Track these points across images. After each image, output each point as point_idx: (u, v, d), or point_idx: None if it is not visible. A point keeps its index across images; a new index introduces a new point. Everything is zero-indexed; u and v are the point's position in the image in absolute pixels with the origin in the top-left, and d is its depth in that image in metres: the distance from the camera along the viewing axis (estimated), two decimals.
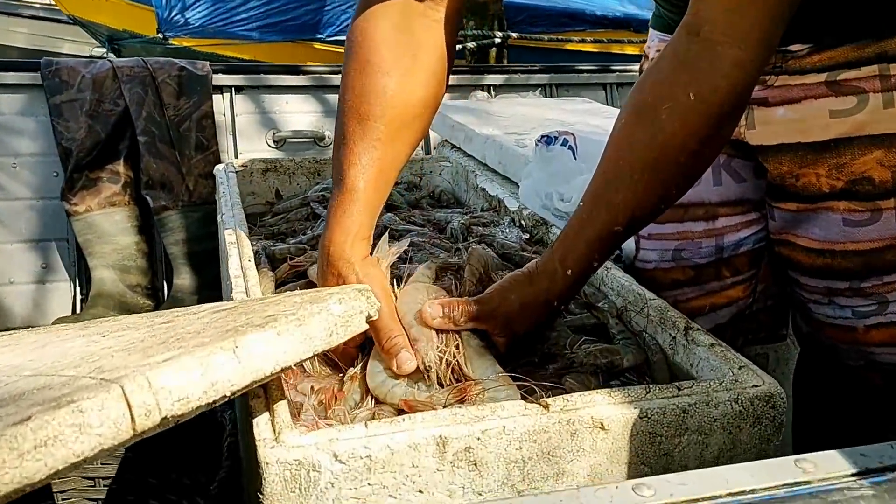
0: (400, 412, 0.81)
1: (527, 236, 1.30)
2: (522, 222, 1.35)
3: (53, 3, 6.52)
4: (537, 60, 4.32)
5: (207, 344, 0.61)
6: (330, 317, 0.68)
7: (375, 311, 0.75)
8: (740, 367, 0.82)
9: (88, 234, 2.20)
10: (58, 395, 0.53)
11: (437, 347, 0.86)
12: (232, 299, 0.96)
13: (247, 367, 0.61)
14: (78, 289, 2.26)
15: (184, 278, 2.25)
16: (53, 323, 2.09)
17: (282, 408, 0.71)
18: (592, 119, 1.97)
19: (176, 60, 2.39)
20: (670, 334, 0.93)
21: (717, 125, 0.82)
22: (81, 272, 2.26)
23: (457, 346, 0.88)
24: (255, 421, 0.70)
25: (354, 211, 0.92)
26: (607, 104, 2.75)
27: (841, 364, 1.06)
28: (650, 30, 1.22)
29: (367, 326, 0.73)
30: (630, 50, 6.38)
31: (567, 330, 0.99)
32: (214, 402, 0.59)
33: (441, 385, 0.85)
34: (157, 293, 2.30)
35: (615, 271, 1.08)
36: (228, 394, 0.60)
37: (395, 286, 0.95)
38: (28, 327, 2.20)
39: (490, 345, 0.91)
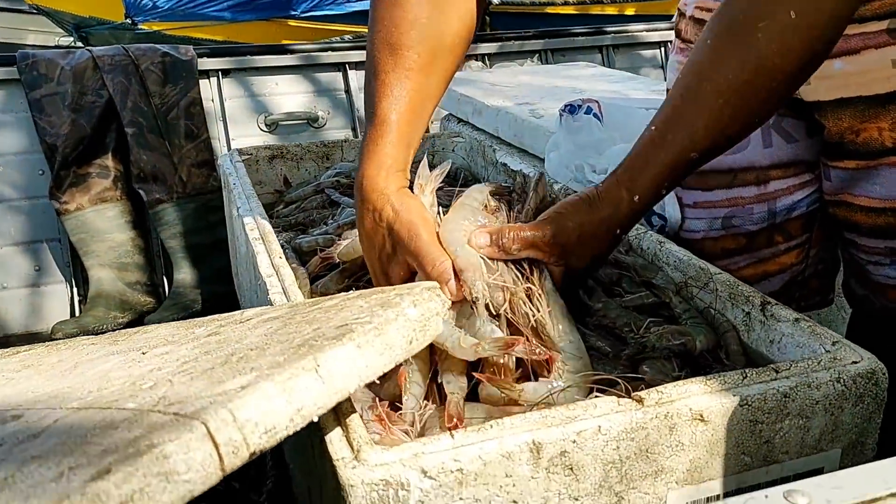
0: (469, 374, 0.74)
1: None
2: (553, 196, 1.28)
3: None
4: (520, 25, 4.23)
5: (284, 364, 0.54)
6: (407, 322, 0.62)
7: (447, 309, 0.68)
8: (834, 343, 0.77)
9: (81, 232, 2.11)
10: (131, 438, 0.47)
11: (485, 277, 0.78)
12: (270, 302, 0.89)
13: (331, 387, 0.54)
14: (75, 290, 2.17)
15: (184, 273, 2.16)
16: (54, 328, 2.01)
17: (355, 422, 0.64)
18: (601, 84, 1.90)
19: (158, 46, 2.29)
20: (743, 310, 0.88)
21: (817, 48, 0.76)
22: (77, 273, 2.17)
23: (527, 289, 0.80)
24: (327, 438, 0.63)
25: (387, 143, 0.86)
26: (605, 66, 2.68)
27: None
28: None
29: (442, 328, 0.67)
30: (610, 10, 6.30)
31: (627, 311, 0.93)
32: (300, 429, 0.53)
33: (496, 317, 0.78)
34: (157, 289, 2.22)
35: (670, 245, 1.02)
36: (315, 419, 0.53)
37: (441, 216, 0.88)
38: (26, 334, 2.12)
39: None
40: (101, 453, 0.45)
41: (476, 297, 0.77)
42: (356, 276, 1.03)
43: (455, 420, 0.68)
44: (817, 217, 1.11)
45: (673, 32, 2.82)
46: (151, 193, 2.16)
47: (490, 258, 0.82)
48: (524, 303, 0.79)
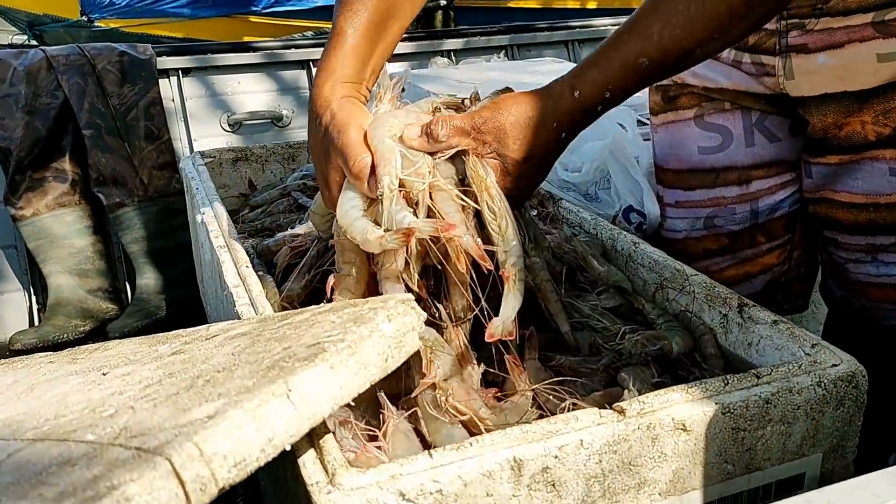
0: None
1: (535, 212, 1.22)
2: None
3: None
4: (482, 21, 4.21)
5: (253, 389, 0.51)
6: (382, 339, 0.59)
7: (422, 322, 0.66)
8: (813, 346, 0.76)
9: (39, 238, 2.04)
10: (90, 478, 0.44)
11: (397, 170, 0.76)
12: (237, 314, 0.86)
13: (304, 412, 0.52)
14: (33, 298, 2.10)
15: (147, 278, 2.11)
16: (12, 338, 1.94)
17: (329, 443, 0.62)
18: None
19: (115, 45, 2.22)
20: (721, 312, 0.87)
21: None
22: (35, 280, 2.10)
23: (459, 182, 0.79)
24: (301, 461, 0.61)
25: (339, 54, 0.86)
26: (571, 61, 2.67)
27: (879, 327, 1.02)
28: None
29: (420, 344, 0.64)
30: (571, 4, 6.31)
31: (601, 317, 0.91)
32: (272, 459, 0.50)
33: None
34: (119, 296, 2.16)
35: (645, 246, 1.00)
36: (287, 447, 0.51)
37: None
38: None
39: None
40: (58, 496, 0.42)
41: (381, 192, 0.76)
42: (319, 275, 1.00)
43: None
44: (799, 217, 1.11)
45: None
46: (111, 197, 2.10)
47: (424, 150, 0.80)
48: (454, 198, 0.78)
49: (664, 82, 1.16)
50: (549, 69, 2.02)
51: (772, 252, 1.11)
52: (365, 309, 0.64)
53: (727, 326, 0.86)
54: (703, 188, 1.13)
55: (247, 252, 1.07)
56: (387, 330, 0.60)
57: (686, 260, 1.09)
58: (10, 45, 6.18)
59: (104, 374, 0.71)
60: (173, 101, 2.30)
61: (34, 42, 5.67)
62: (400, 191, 0.77)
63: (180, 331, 0.80)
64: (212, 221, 1.13)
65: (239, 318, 0.85)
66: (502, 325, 0.74)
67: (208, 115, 2.35)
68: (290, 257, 1.05)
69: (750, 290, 1.11)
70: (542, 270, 0.90)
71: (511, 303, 0.76)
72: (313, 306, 0.74)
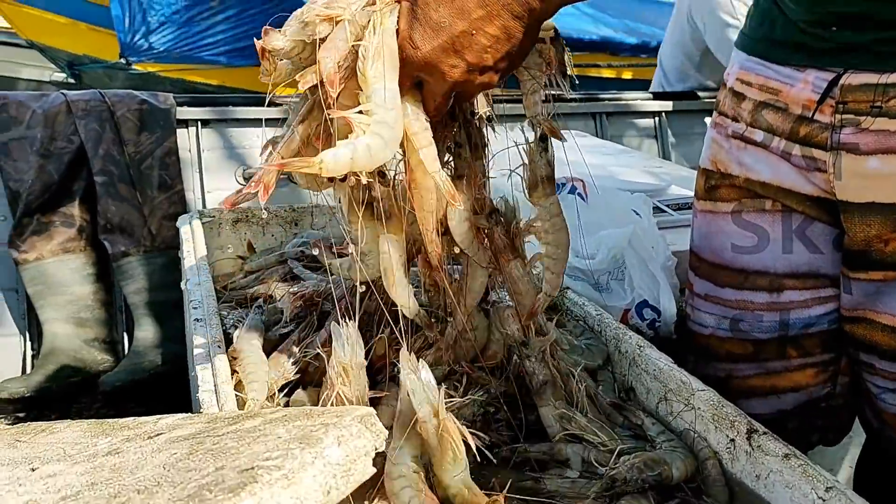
0: None
1: None
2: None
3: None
4: (512, 86, 4.18)
5: None
6: (327, 468, 0.52)
7: (382, 442, 0.58)
8: (828, 489, 0.67)
9: (39, 283, 2.00)
10: None
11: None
12: (198, 401, 0.79)
13: None
14: (28, 344, 2.05)
15: (145, 330, 2.05)
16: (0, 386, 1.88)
17: None
18: (592, 157, 1.82)
19: (137, 93, 2.21)
20: (727, 436, 0.78)
21: None
22: (32, 326, 2.05)
23: None
24: None
25: None
26: (597, 135, 2.62)
27: None
28: (733, 52, 1.08)
29: (374, 470, 0.57)
30: (607, 73, 6.31)
31: (598, 430, 0.83)
32: None
33: None
34: (115, 347, 2.10)
35: (650, 351, 0.92)
36: None
37: None
38: None
39: None
40: None
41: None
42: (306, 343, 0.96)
43: None
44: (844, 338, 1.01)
45: (669, 104, 2.77)
46: (117, 245, 2.06)
47: None
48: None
49: (708, 167, 1.09)
50: (570, 143, 1.96)
51: (804, 370, 1.01)
52: (317, 424, 0.57)
53: (734, 453, 0.78)
54: (730, 287, 1.05)
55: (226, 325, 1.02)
56: (333, 457, 0.52)
57: (709, 359, 1.01)
58: (50, 83, 6.32)
59: (32, 470, 0.64)
60: (190, 151, 2.28)
61: (72, 80, 5.79)
62: None
63: (129, 420, 0.73)
64: (195, 290, 1.08)
65: (199, 405, 0.79)
66: None
67: (223, 167, 2.32)
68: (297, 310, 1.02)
69: (778, 407, 1.02)
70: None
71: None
72: (268, 409, 0.67)
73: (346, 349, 0.74)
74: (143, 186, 2.14)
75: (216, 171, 2.30)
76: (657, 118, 2.81)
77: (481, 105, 0.87)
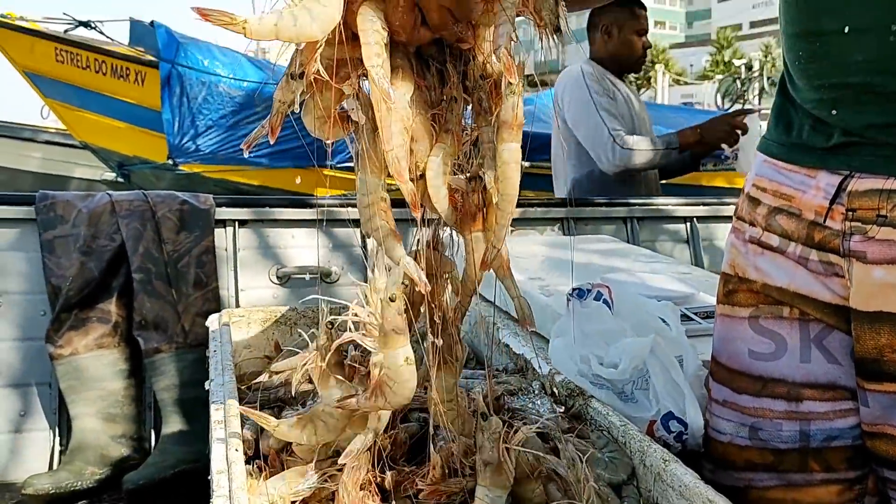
0: None
1: (561, 409, 1.13)
2: (555, 390, 1.18)
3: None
4: (543, 188, 4.26)
5: None
6: None
7: None
8: None
9: (72, 379, 2.03)
10: None
11: None
12: None
13: None
14: (57, 439, 2.06)
15: (172, 428, 2.05)
16: (26, 481, 1.87)
17: None
18: (620, 262, 1.83)
19: (178, 194, 2.29)
20: None
21: None
22: (62, 420, 2.07)
23: None
24: None
25: None
26: (628, 240, 2.63)
27: None
28: (756, 155, 1.09)
29: None
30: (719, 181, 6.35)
31: None
32: None
33: None
34: (143, 443, 2.10)
35: (675, 466, 0.90)
36: None
37: None
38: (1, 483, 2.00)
39: None
40: None
41: None
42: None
43: None
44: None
45: (701, 209, 2.78)
46: (150, 342, 2.09)
47: None
48: None
49: (727, 271, 1.09)
50: (596, 248, 1.98)
51: (828, 485, 0.97)
52: None
53: None
54: (749, 394, 1.03)
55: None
56: None
57: (727, 467, 0.98)
58: (101, 182, 6.58)
59: None
60: (226, 250, 2.34)
61: (121, 180, 6.03)
62: None
63: None
64: (218, 391, 1.08)
65: None
66: None
67: (258, 265, 2.37)
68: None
69: None
70: None
71: None
72: None
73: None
74: (179, 284, 2.18)
75: (251, 269, 2.35)
76: (688, 223, 2.82)
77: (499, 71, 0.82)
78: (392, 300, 0.80)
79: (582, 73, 2.86)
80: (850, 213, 0.90)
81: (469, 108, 0.87)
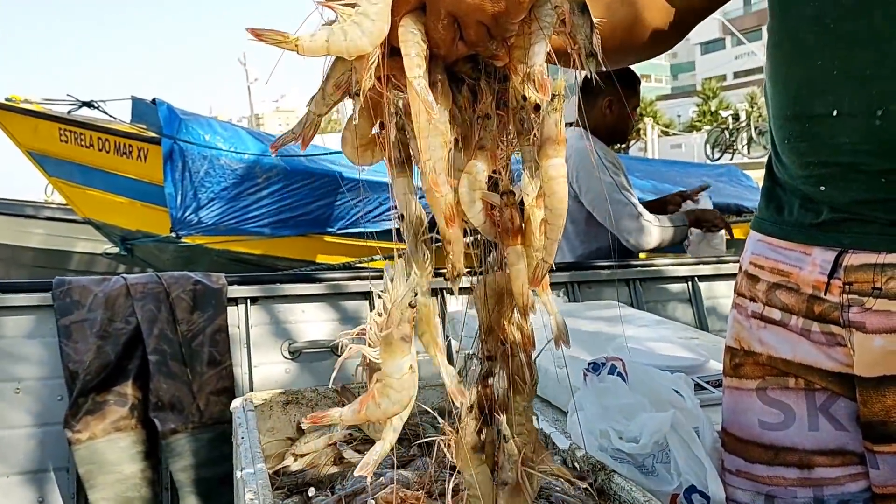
0: None
1: (584, 484, 1.15)
2: (576, 465, 1.21)
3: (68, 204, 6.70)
4: None
5: None
6: None
7: None
8: None
9: (90, 463, 2.04)
10: None
11: None
12: None
13: None
14: None
15: None
16: None
17: None
18: (628, 329, 1.88)
19: (191, 274, 2.34)
20: None
21: None
22: None
23: None
24: None
25: None
26: (631, 302, 2.68)
27: None
28: (750, 233, 1.14)
29: None
30: None
31: None
32: None
33: None
34: None
35: None
36: None
37: None
38: None
39: None
40: None
41: None
42: None
43: None
44: None
45: (702, 268, 2.83)
46: (167, 423, 2.11)
47: None
48: None
49: (732, 345, 1.13)
50: (602, 315, 2.02)
51: None
52: None
53: None
54: (762, 464, 1.06)
55: None
56: None
57: None
58: (104, 254, 6.62)
59: None
60: (238, 328, 2.37)
61: (124, 253, 6.09)
62: None
63: None
64: (251, 481, 1.11)
65: None
66: None
67: (270, 342, 2.40)
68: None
69: None
70: None
71: None
72: None
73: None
74: (194, 363, 2.21)
75: (263, 346, 2.38)
76: (689, 283, 2.87)
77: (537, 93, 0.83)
78: (412, 306, 0.80)
79: (595, 153, 2.90)
80: (847, 286, 0.95)
81: (507, 125, 0.87)
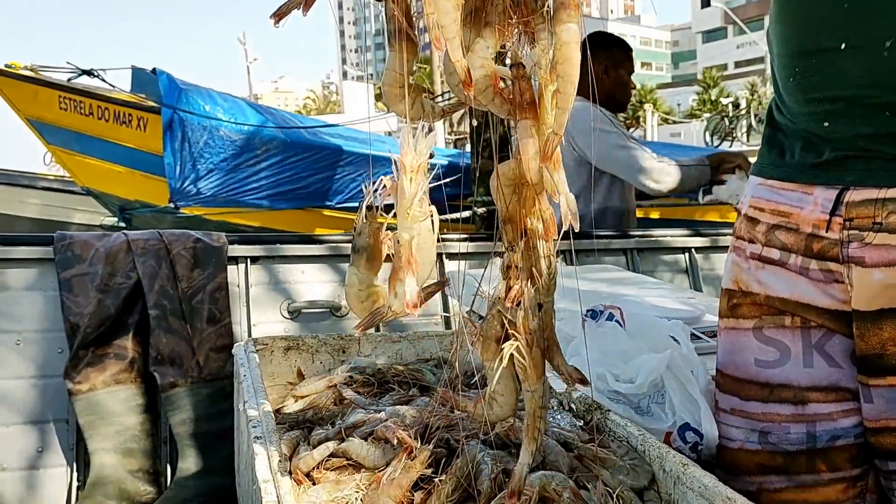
0: None
1: (580, 423, 1.18)
2: (573, 406, 1.23)
3: (67, 175, 6.68)
4: None
5: None
6: None
7: None
8: None
9: (90, 414, 2.06)
10: None
11: None
12: None
13: None
14: (75, 475, 2.08)
15: (189, 462, 2.08)
16: None
17: None
18: (625, 288, 1.90)
19: (192, 232, 2.35)
20: None
21: None
22: (80, 456, 2.10)
23: None
24: None
25: None
26: (630, 269, 2.70)
27: None
28: (750, 178, 1.16)
29: None
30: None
31: None
32: None
33: None
34: (159, 478, 2.12)
35: (694, 469, 0.95)
36: None
37: None
38: None
39: None
40: None
41: None
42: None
43: None
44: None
45: (700, 240, 2.84)
46: (166, 377, 2.13)
47: None
48: None
49: (730, 286, 1.15)
50: (601, 277, 2.04)
51: (834, 484, 1.03)
52: None
53: None
54: (756, 401, 1.09)
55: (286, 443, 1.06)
56: None
57: (738, 472, 1.03)
58: (101, 226, 6.63)
59: None
60: (238, 286, 2.39)
61: (122, 224, 6.09)
62: None
63: None
64: (253, 410, 1.13)
65: None
66: None
67: (270, 301, 2.42)
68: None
69: None
70: None
71: None
72: None
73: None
74: (194, 320, 2.23)
75: (262, 304, 2.40)
76: (687, 254, 2.89)
77: None
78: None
79: (599, 111, 2.86)
80: (848, 222, 0.97)
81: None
